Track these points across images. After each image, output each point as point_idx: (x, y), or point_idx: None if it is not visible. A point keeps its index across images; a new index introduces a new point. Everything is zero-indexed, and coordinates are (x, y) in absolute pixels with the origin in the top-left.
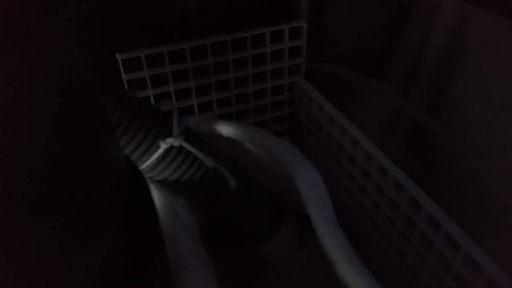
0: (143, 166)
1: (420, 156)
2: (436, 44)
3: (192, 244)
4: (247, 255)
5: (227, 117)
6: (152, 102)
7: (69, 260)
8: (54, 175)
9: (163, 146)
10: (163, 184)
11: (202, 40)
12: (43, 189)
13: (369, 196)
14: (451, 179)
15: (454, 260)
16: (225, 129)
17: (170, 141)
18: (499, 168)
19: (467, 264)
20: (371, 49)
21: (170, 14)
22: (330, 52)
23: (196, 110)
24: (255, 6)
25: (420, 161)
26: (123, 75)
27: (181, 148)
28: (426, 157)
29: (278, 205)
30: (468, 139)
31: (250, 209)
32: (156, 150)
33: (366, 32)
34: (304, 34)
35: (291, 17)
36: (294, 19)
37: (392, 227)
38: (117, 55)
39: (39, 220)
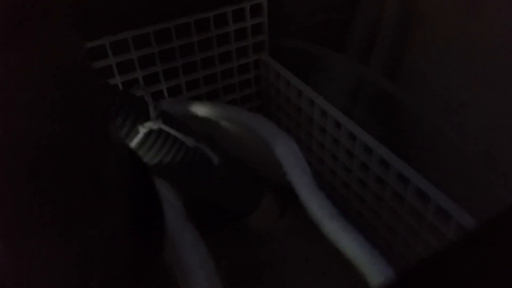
0: None
1: (385, 120)
2: (391, 12)
3: (182, 221)
4: (233, 231)
5: (197, 100)
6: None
7: (69, 239)
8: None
9: (142, 130)
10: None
11: (166, 23)
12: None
13: (340, 162)
14: (416, 138)
15: (425, 212)
16: (200, 110)
17: (148, 125)
18: (459, 121)
19: (438, 214)
20: (329, 23)
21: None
22: (290, 28)
23: (165, 94)
24: None
25: (386, 125)
26: None
27: (160, 131)
28: (390, 121)
29: (257, 180)
30: (428, 99)
31: (233, 185)
32: (135, 135)
33: (322, 6)
34: (264, 11)
35: None
36: None
37: (365, 189)
38: None
39: (38, 199)
